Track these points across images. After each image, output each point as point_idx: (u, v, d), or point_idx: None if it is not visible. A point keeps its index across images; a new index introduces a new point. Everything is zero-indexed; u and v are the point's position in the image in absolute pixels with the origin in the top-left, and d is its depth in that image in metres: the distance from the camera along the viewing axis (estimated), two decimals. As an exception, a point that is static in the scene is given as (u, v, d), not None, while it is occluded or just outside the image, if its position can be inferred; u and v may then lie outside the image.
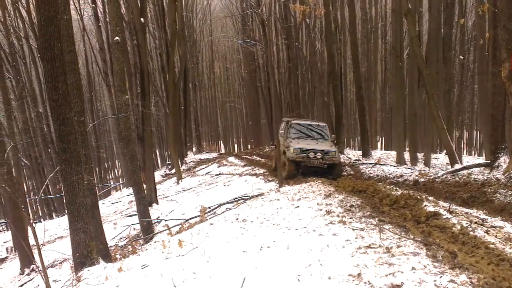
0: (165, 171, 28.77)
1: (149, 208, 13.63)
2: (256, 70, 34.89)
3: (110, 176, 49.11)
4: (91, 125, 21.58)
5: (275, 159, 15.03)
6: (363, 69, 28.15)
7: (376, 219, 5.43)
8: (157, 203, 16.00)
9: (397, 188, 8.38)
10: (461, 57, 22.42)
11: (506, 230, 5.06)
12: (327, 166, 13.56)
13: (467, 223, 4.95)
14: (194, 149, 35.20)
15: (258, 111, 38.01)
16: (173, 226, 10.78)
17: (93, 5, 26.18)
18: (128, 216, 15.67)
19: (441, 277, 3.36)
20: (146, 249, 8.51)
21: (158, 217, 13.55)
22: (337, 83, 20.29)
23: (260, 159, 23.36)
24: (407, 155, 16.99)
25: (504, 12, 9.25)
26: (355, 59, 19.39)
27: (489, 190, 8.33)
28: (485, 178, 9.40)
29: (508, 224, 5.52)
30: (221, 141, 58.26)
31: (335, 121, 20.03)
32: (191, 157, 31.09)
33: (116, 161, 50.01)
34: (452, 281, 3.26)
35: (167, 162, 31.31)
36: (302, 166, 13.56)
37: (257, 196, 10.09)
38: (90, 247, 6.93)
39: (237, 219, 6.76)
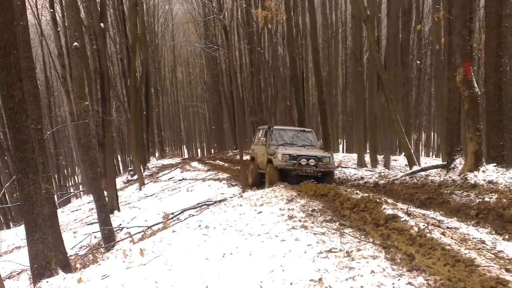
0: (127, 177, 28.36)
1: (111, 215, 13.38)
2: (218, 75, 34.90)
3: (70, 183, 47.99)
4: (49, 132, 21.04)
5: (251, 172, 13.80)
6: (324, 73, 28.54)
7: (337, 223, 5.52)
8: (119, 210, 15.75)
9: (358, 191, 8.53)
10: (418, 61, 23.01)
11: (462, 231, 5.22)
12: (321, 174, 11.99)
13: (424, 225, 5.09)
14: (156, 154, 34.87)
15: (221, 116, 37.99)
16: (135, 234, 10.63)
17: (52, 10, 25.59)
18: (88, 224, 15.35)
19: (399, 279, 3.44)
20: (108, 258, 8.34)
21: (120, 224, 13.34)
22: (299, 87, 20.48)
23: (224, 163, 23.34)
24: (367, 157, 17.31)
25: (458, 19, 9.58)
26: (316, 64, 19.63)
27: (445, 191, 8.58)
28: (442, 179, 9.69)
29: (464, 225, 5.70)
30: (184, 146, 57.93)
31: (297, 125, 20.21)
32: (153, 162, 30.78)
33: (76, 167, 48.91)
34: (409, 283, 3.34)
35: (129, 168, 30.88)
36: (292, 175, 11.87)
37: (220, 201, 10.08)
38: (48, 258, 6.75)
39: (199, 225, 6.73)
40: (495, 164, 9.25)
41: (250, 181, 13.88)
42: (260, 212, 6.68)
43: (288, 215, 6.08)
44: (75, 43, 11.86)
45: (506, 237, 5.25)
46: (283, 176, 11.94)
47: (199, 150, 57.69)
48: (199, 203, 11.79)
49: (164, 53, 45.01)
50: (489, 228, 5.74)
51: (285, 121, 27.50)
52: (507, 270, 3.69)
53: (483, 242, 4.73)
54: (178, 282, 4.29)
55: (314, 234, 4.98)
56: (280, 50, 29.72)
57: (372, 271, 3.63)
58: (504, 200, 6.84)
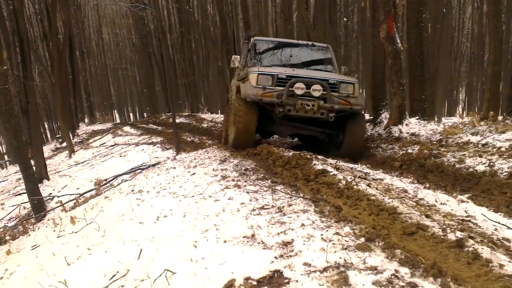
0: (55, 145, 27.32)
1: (40, 185, 12.94)
2: (147, 36, 33.76)
3: (-6, 153, 45.52)
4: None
5: (225, 128, 9.97)
6: (255, 32, 28.33)
7: (269, 180, 5.64)
8: (48, 179, 15.22)
9: (290, 149, 8.72)
10: (345, 19, 23.39)
11: (386, 181, 5.51)
12: (333, 117, 7.37)
13: (351, 178, 5.31)
14: (86, 120, 33.68)
15: (152, 78, 37.04)
16: (67, 202, 10.37)
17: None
18: (16, 195, 14.77)
19: (327, 230, 3.59)
20: (38, 228, 8.15)
21: (50, 193, 12.95)
22: (230, 47, 20.33)
23: (157, 127, 22.99)
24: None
25: (381, -25, 9.79)
26: (246, 23, 19.50)
27: (372, 145, 8.98)
28: (369, 133, 10.10)
29: (388, 176, 6.01)
30: (115, 111, 56.29)
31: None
32: (83, 128, 29.76)
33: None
34: (337, 233, 3.50)
35: (57, 136, 29.72)
36: (277, 116, 7.42)
37: (154, 165, 9.98)
38: (-26, 232, 6.50)
39: (133, 190, 6.66)
40: (417, 117, 9.72)
41: (223, 136, 9.99)
42: (194, 173, 6.70)
43: (222, 175, 6.13)
44: (-12, 4, 11.09)
45: (427, 185, 5.61)
46: (262, 122, 7.58)
47: (131, 114, 56.26)
48: (132, 168, 11.62)
49: (87, 13, 42.78)
50: (412, 177, 6.11)
51: (218, 82, 27.29)
52: (427, 216, 3.95)
53: (405, 191, 5.02)
54: (112, 248, 4.26)
55: (247, 192, 5.07)
56: (210, 9, 29.15)
57: (303, 224, 3.76)
58: (425, 151, 7.24)
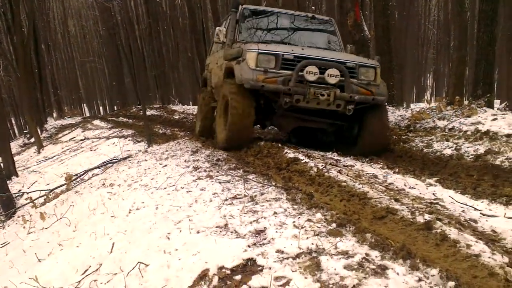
0: (23, 141, 26.70)
1: (8, 181, 12.64)
2: (114, 27, 33.19)
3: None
4: None
5: (200, 109, 9.09)
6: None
7: (241, 170, 5.64)
8: (17, 176, 14.89)
9: (262, 137, 8.74)
10: (313, 7, 23.47)
11: (356, 168, 5.58)
12: (352, 110, 6.04)
13: (322, 165, 5.35)
14: (54, 114, 33.01)
15: (121, 70, 36.48)
16: (37, 198, 10.16)
17: None
18: (-16, 193, 14.42)
19: (299, 217, 3.62)
20: (8, 226, 8.00)
21: (20, 190, 12.66)
22: (199, 37, 20.20)
23: (128, 120, 22.71)
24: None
25: (348, -37, 9.86)
26: (215, 12, 19.37)
27: (343, 132, 9.06)
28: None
29: (359, 163, 6.09)
30: (84, 104, 55.31)
31: (201, 76, 20.08)
32: (52, 123, 29.16)
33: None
34: (309, 220, 3.54)
35: (25, 131, 29.09)
36: (282, 108, 6.09)
37: (125, 158, 9.88)
38: None
39: (104, 184, 6.59)
40: (386, 104, 9.85)
41: (198, 128, 8.76)
42: (166, 165, 6.66)
43: (194, 166, 6.11)
44: None
45: (396, 170, 5.70)
46: (258, 113, 6.23)
47: (101, 108, 55.37)
48: (103, 162, 11.47)
49: (52, 5, 41.73)
50: (382, 163, 6.19)
51: (188, 73, 27.05)
52: (396, 200, 4.02)
53: (375, 176, 5.10)
54: (83, 243, 4.21)
55: (219, 182, 5.06)
56: (178, 0, 28.86)
57: (275, 213, 3.78)
58: (394, 136, 7.37)
